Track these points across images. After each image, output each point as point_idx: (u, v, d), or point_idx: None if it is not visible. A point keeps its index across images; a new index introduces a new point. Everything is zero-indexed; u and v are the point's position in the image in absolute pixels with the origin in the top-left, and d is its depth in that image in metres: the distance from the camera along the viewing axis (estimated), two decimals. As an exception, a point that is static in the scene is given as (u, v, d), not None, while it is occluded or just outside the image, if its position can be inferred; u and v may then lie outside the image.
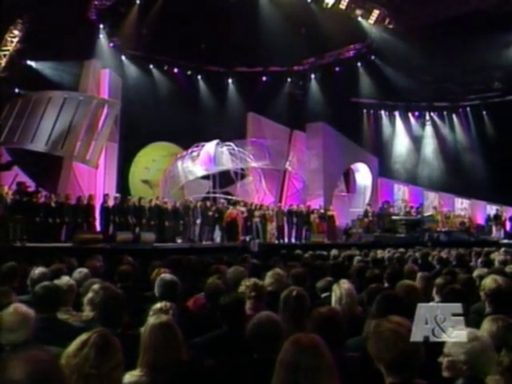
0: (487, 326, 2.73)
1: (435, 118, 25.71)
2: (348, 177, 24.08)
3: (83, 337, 2.04)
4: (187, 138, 19.43)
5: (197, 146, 19.14)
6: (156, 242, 13.94)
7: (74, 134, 16.39)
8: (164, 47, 19.86)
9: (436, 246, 13.91)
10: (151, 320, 2.53)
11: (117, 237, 12.87)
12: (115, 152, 18.56)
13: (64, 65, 17.17)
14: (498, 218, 21.71)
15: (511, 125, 20.67)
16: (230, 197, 19.21)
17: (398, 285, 4.09)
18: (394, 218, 20.35)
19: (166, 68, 21.28)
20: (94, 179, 17.87)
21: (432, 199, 24.57)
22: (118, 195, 15.48)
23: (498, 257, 8.28)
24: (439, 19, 19.62)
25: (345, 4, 19.92)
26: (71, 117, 16.38)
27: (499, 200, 22.29)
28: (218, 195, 19.19)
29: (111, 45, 19.28)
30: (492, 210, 22.94)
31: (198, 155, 19.03)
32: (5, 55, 15.92)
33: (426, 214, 21.40)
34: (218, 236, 16.90)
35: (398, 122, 25.68)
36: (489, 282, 3.71)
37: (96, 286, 3.66)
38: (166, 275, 4.17)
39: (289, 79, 23.33)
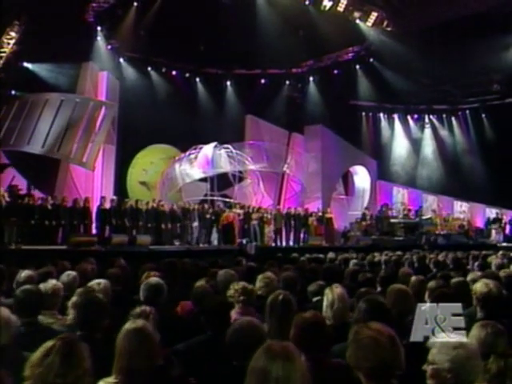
0: (476, 332, 2.66)
1: (434, 120, 25.65)
2: (347, 179, 24.01)
3: (48, 344, 1.96)
4: (185, 141, 19.39)
5: (195, 149, 19.08)
6: (153, 244, 13.87)
7: (71, 136, 16.36)
8: (162, 49, 19.79)
9: (433, 249, 13.83)
10: (126, 325, 2.45)
11: (112, 239, 12.79)
12: (113, 154, 18.53)
13: (61, 67, 17.13)
14: (498, 222, 21.59)
15: (510, 127, 20.61)
16: (227, 199, 19.15)
17: (389, 289, 4.01)
18: (392, 220, 20.28)
19: (164, 70, 21.21)
20: (92, 181, 17.84)
21: (431, 202, 24.50)
22: (114, 197, 15.42)
23: (494, 260, 8.18)
24: (438, 21, 19.55)
25: (342, 6, 19.85)
26: (68, 119, 16.35)
27: (498, 203, 22.20)
28: (215, 198, 19.14)
29: (109, 47, 19.23)
30: (491, 213, 22.85)
31: (196, 158, 18.97)
32: (1, 57, 15.86)
33: (424, 217, 21.30)
34: (215, 239, 16.83)
35: (397, 124, 25.62)
36: (480, 286, 3.63)
37: (80, 290, 3.59)
38: (152, 279, 4.09)
39: (287, 82, 23.26)
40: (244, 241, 15.58)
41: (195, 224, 16.27)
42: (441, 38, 19.83)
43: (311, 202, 21.24)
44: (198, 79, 22.11)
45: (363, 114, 25.01)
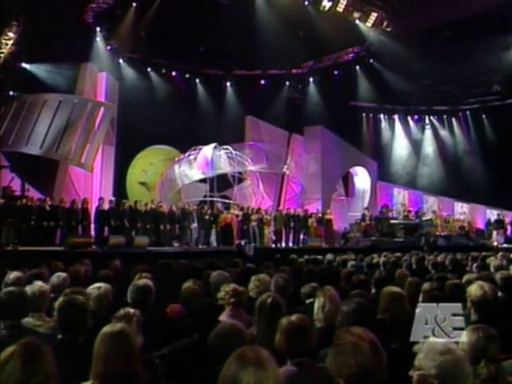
0: (467, 336, 2.58)
1: (434, 121, 25.57)
2: (347, 181, 23.93)
3: (10, 349, 1.89)
4: (185, 142, 19.35)
5: (194, 150, 19.04)
6: (152, 245, 13.80)
7: (69, 137, 16.31)
8: (161, 50, 19.74)
9: (433, 251, 13.75)
10: (103, 328, 2.38)
11: (109, 240, 12.72)
12: (112, 155, 18.47)
13: (60, 67, 17.07)
14: (499, 223, 21.45)
15: (511, 128, 20.51)
16: (227, 200, 19.09)
17: (382, 291, 3.93)
18: (392, 222, 20.19)
19: (163, 71, 21.18)
20: (91, 182, 17.79)
21: (431, 203, 24.41)
22: (112, 199, 15.35)
23: (493, 262, 8.09)
24: (438, 21, 19.50)
25: (342, 7, 19.78)
26: (66, 120, 16.30)
27: (499, 204, 22.10)
28: (215, 199, 19.07)
29: (108, 48, 19.18)
30: (492, 214, 22.74)
31: (196, 159, 18.92)
32: (-1, 57, 15.85)
33: (424, 218, 21.22)
34: (214, 240, 16.76)
35: (398, 125, 25.54)
36: (474, 289, 3.54)
37: (66, 291, 3.52)
38: (140, 281, 4.02)
39: (287, 82, 23.21)
40: (243, 242, 15.51)
41: (194, 225, 16.21)
42: (441, 38, 19.79)
43: (311, 203, 21.15)
44: (197, 80, 22.07)
45: (363, 114, 24.94)
